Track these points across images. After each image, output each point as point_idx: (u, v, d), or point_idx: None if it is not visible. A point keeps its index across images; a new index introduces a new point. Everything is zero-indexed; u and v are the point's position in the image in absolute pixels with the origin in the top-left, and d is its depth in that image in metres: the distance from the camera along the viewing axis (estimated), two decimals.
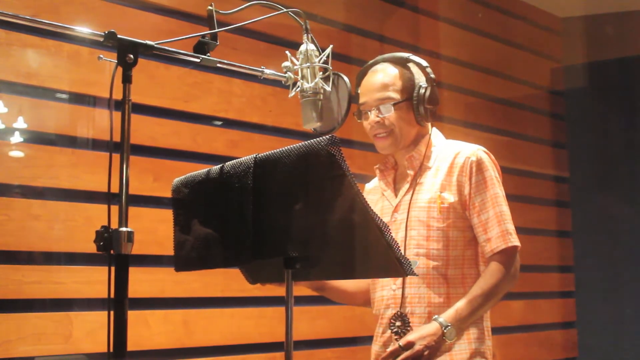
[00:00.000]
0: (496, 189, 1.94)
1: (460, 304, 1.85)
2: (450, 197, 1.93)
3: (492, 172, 1.95)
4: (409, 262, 1.41)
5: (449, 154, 1.99)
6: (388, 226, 1.36)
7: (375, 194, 2.13)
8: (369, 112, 2.00)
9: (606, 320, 4.39)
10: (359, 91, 2.06)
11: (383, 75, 2.01)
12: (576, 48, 4.69)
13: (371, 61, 2.07)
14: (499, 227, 1.90)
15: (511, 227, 1.92)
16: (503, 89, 4.36)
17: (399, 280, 1.94)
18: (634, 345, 4.25)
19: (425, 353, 1.77)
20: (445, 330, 1.79)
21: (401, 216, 1.98)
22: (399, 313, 1.92)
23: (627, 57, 4.50)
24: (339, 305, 3.17)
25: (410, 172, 2.01)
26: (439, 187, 1.95)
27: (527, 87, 4.56)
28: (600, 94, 4.58)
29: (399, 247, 1.38)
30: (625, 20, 4.46)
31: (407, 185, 2.01)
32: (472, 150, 1.97)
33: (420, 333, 1.80)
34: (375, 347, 2.02)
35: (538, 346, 4.22)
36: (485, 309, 1.92)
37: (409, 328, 1.89)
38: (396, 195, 2.04)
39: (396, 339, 1.91)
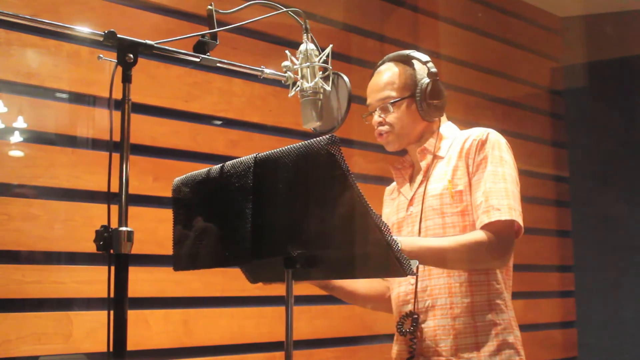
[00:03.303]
0: (494, 166, 1.87)
1: (424, 237, 1.82)
2: (461, 181, 1.90)
3: (496, 150, 1.89)
4: (409, 261, 1.41)
5: (460, 140, 1.96)
6: (388, 225, 1.36)
7: (393, 194, 2.14)
8: (374, 113, 2.01)
9: (606, 320, 4.39)
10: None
11: (384, 75, 2.01)
12: (576, 48, 4.69)
13: (379, 62, 2.08)
14: (485, 203, 1.83)
15: (499, 202, 1.82)
16: (503, 89, 4.36)
17: (418, 274, 1.90)
18: (634, 345, 4.25)
19: None
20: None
21: (416, 208, 1.96)
22: (409, 312, 1.90)
23: (627, 57, 4.50)
24: (338, 305, 3.16)
25: (423, 165, 2.00)
26: (450, 173, 1.92)
27: (527, 87, 4.56)
28: (600, 93, 4.57)
29: (398, 246, 1.38)
30: (625, 20, 4.46)
31: (420, 178, 2.01)
32: (480, 132, 1.93)
33: None
34: (396, 347, 1.99)
35: (538, 346, 4.22)
36: (453, 257, 1.80)
37: (414, 327, 1.86)
38: (411, 190, 2.03)
39: (411, 338, 1.88)
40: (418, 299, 1.90)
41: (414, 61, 2.02)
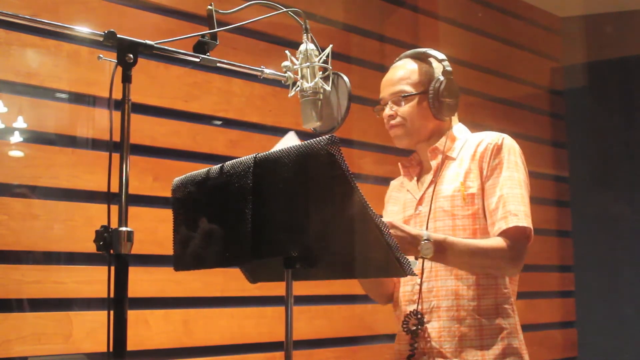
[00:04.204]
0: (510, 171, 1.88)
1: (454, 238, 1.78)
2: (474, 183, 1.90)
3: (512, 156, 1.91)
4: (409, 262, 1.41)
5: (473, 143, 1.96)
6: (388, 226, 1.36)
7: (400, 191, 2.12)
8: (385, 107, 2.01)
9: (606, 320, 4.39)
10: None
11: (400, 70, 2.02)
12: (576, 48, 4.69)
13: (396, 59, 2.09)
14: (502, 209, 1.84)
15: (515, 208, 1.84)
16: (503, 89, 4.36)
17: (424, 274, 1.91)
18: (634, 345, 4.25)
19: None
20: (423, 241, 1.69)
21: (425, 208, 1.95)
22: (414, 311, 1.90)
23: (627, 57, 4.50)
24: (338, 305, 3.17)
25: (434, 164, 2.00)
26: (463, 175, 1.92)
27: (527, 87, 4.56)
28: (600, 93, 4.57)
29: (398, 247, 1.38)
30: (625, 20, 4.46)
31: (430, 178, 2.00)
32: (495, 136, 1.94)
33: (406, 227, 1.70)
34: (397, 346, 1.99)
35: (538, 346, 4.22)
36: (472, 262, 1.82)
37: (420, 327, 1.87)
38: (420, 189, 2.03)
39: (413, 337, 1.87)
40: (423, 300, 1.90)
41: (431, 59, 2.03)
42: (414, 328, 1.88)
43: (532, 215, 1.88)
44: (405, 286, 1.97)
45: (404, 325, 1.90)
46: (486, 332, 1.85)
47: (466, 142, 1.99)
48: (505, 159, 1.90)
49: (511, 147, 1.93)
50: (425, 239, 1.69)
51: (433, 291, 1.90)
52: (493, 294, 1.88)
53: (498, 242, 1.82)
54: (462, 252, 1.78)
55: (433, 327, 1.88)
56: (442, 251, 1.73)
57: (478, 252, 1.80)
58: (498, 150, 1.91)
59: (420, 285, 1.91)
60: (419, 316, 1.88)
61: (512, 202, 1.85)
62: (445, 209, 1.91)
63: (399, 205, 2.09)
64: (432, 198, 1.93)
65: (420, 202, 1.99)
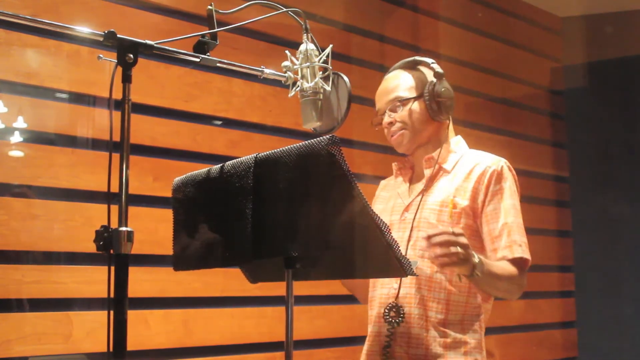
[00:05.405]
0: (513, 200, 1.92)
1: (485, 258, 1.79)
2: (463, 202, 1.91)
3: (511, 183, 1.94)
4: (409, 262, 1.41)
5: (470, 161, 1.98)
6: (388, 226, 1.36)
7: (389, 190, 2.13)
8: (383, 116, 2.02)
9: (606, 320, 4.39)
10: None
11: (393, 80, 2.04)
12: (576, 48, 4.69)
13: (386, 71, 2.11)
14: (507, 237, 1.88)
15: (520, 238, 1.90)
16: (503, 89, 4.36)
17: (402, 280, 1.93)
18: (634, 345, 4.25)
19: (460, 256, 1.66)
20: (477, 260, 1.70)
21: (410, 216, 1.96)
22: (393, 304, 1.91)
23: (627, 57, 4.50)
24: (338, 305, 3.17)
25: (427, 173, 2.01)
26: (453, 191, 1.93)
27: (527, 87, 4.56)
28: (600, 94, 4.57)
29: (399, 247, 1.38)
30: (625, 20, 4.46)
31: (421, 186, 2.01)
32: (494, 160, 1.96)
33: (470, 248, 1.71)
34: (367, 345, 2.01)
35: (538, 346, 4.22)
36: (497, 285, 1.86)
37: (401, 318, 1.88)
38: (410, 195, 2.03)
39: (388, 329, 1.90)
40: (399, 305, 1.92)
41: (420, 66, 2.05)
42: (396, 319, 1.90)
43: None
44: (383, 289, 1.98)
45: (385, 316, 1.91)
46: (449, 345, 1.88)
47: (462, 157, 2.01)
48: (507, 186, 1.93)
49: (511, 174, 1.97)
50: (478, 257, 1.72)
51: (407, 297, 1.92)
52: (462, 310, 1.90)
53: (513, 268, 1.87)
54: (494, 274, 1.81)
55: (402, 332, 1.90)
56: (485, 271, 1.75)
57: (504, 276, 1.85)
58: (499, 176, 1.94)
59: (398, 290, 1.92)
60: (399, 307, 1.90)
61: (517, 232, 1.90)
62: (430, 221, 1.92)
63: (385, 206, 2.10)
64: (418, 207, 1.95)
65: (407, 208, 2.00)
